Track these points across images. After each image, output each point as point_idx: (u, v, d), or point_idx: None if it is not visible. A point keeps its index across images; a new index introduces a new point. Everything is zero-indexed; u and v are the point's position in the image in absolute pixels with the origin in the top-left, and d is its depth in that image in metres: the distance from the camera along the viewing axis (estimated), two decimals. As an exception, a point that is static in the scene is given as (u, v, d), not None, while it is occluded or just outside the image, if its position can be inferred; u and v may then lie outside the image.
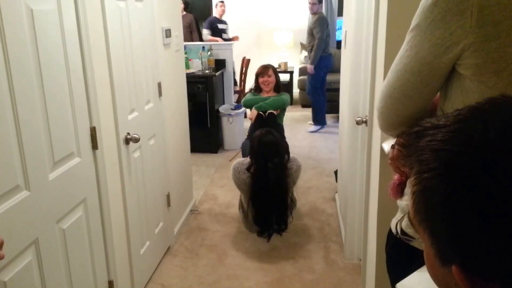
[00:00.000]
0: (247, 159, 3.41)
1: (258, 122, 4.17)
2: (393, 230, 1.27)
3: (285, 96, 4.36)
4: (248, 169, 3.31)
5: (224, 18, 7.32)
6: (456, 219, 0.49)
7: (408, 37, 1.03)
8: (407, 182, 1.24)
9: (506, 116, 0.51)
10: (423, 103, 1.07)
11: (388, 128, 1.18)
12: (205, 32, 7.10)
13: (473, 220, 0.48)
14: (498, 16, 0.89)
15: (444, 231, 0.51)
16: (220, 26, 7.17)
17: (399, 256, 1.30)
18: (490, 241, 0.47)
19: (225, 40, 7.08)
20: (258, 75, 4.45)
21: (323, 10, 8.19)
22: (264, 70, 4.41)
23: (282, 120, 4.39)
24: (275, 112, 4.26)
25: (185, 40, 6.85)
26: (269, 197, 3.21)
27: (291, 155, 3.50)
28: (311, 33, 6.03)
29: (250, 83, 7.92)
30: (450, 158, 0.50)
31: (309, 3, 5.99)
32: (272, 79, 4.42)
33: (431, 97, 1.07)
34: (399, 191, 1.27)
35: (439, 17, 0.95)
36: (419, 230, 0.57)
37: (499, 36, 0.90)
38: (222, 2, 7.29)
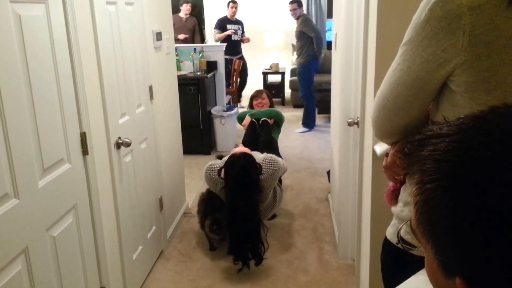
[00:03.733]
0: (218, 161, 3.26)
1: (252, 129, 4.16)
2: (391, 239, 1.26)
3: (280, 111, 4.54)
4: (219, 173, 3.13)
5: (236, 18, 7.35)
6: (461, 232, 0.48)
7: (400, 50, 1.04)
8: (401, 189, 1.24)
9: (509, 127, 0.50)
10: (416, 114, 1.09)
11: (382, 136, 1.20)
12: (214, 32, 7.23)
13: (478, 234, 0.47)
14: (490, 36, 0.90)
15: (448, 244, 0.51)
16: (230, 26, 7.16)
17: (394, 264, 1.30)
18: (495, 255, 0.46)
19: (233, 41, 7.09)
20: (252, 98, 4.81)
21: (313, 12, 8.25)
22: (258, 93, 4.84)
23: (276, 136, 4.38)
24: (269, 120, 4.26)
25: (189, 42, 7.04)
26: (242, 227, 2.98)
27: (271, 156, 3.27)
28: (300, 37, 6.09)
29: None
30: (453, 169, 0.49)
31: (290, 10, 6.10)
32: (266, 101, 4.74)
33: (424, 109, 1.09)
34: (394, 198, 1.27)
35: (431, 35, 0.95)
36: (422, 240, 0.56)
37: (491, 56, 0.91)
38: (234, 2, 7.24)
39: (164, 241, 3.31)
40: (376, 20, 1.79)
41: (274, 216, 3.73)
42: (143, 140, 2.87)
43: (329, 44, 8.01)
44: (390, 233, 1.27)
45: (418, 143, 0.55)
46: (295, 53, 6.71)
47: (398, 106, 1.07)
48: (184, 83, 5.09)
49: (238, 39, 7.29)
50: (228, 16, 7.28)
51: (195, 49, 5.63)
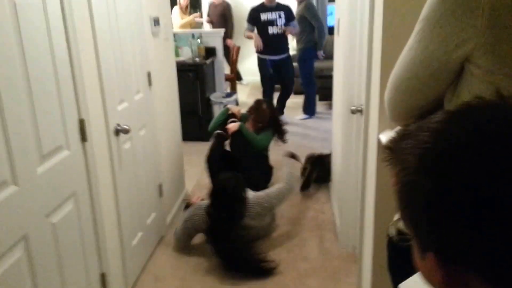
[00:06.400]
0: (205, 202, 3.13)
1: (219, 144, 3.86)
2: (390, 233, 1.24)
3: (264, 137, 3.91)
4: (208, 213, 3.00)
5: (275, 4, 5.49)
6: (433, 208, 0.52)
7: (417, 28, 0.99)
8: None
9: (478, 119, 0.53)
10: (432, 96, 1.04)
11: (397, 118, 1.15)
12: (246, 27, 5.68)
13: (446, 209, 0.51)
14: (509, 20, 0.85)
15: (422, 220, 0.55)
16: (264, 16, 5.43)
17: (400, 256, 1.28)
18: (463, 230, 0.50)
19: (271, 36, 5.48)
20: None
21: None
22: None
23: (266, 150, 4.08)
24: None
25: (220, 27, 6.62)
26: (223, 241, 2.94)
27: (258, 197, 3.15)
28: (300, 22, 5.80)
29: (240, 70, 7.87)
30: (426, 155, 0.53)
31: None
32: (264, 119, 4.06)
33: (441, 91, 1.03)
34: None
35: (448, 12, 0.91)
36: (406, 225, 0.59)
37: (511, 40, 0.86)
38: None
39: (164, 227, 3.30)
40: (383, 1, 1.74)
41: None
42: (142, 127, 2.84)
43: (330, 29, 7.91)
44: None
45: (401, 138, 0.59)
46: (294, 39, 6.54)
47: (413, 87, 1.03)
48: (183, 69, 5.02)
49: (279, 31, 5.45)
50: (265, 2, 5.50)
51: (193, 35, 5.56)
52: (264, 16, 5.42)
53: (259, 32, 5.47)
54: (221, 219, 2.92)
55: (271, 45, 5.48)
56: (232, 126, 3.78)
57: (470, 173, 0.49)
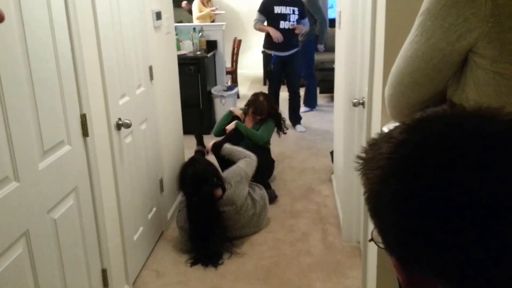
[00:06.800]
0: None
1: (234, 137, 3.82)
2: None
3: (265, 131, 3.97)
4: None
5: None
6: (391, 214, 0.55)
7: (417, 21, 0.98)
8: None
9: (431, 129, 0.56)
10: (435, 90, 1.03)
11: (398, 115, 1.14)
12: (255, 17, 5.19)
13: (403, 215, 0.53)
14: None
15: (385, 227, 0.57)
16: (278, 9, 5.04)
17: None
18: (421, 235, 0.52)
19: (282, 30, 5.05)
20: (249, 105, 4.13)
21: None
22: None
23: (268, 143, 4.08)
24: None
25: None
26: (199, 226, 3.00)
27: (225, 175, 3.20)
28: None
29: (241, 63, 7.84)
30: (386, 166, 0.56)
31: None
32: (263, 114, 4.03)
33: (443, 84, 1.02)
34: None
35: (450, 3, 0.89)
36: (376, 231, 0.61)
37: None
38: None
39: (165, 222, 3.29)
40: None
41: (275, 197, 3.70)
42: (143, 121, 2.83)
43: (331, 22, 7.89)
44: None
45: (369, 148, 0.61)
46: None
47: (416, 81, 1.01)
48: (184, 63, 5.01)
49: (290, 27, 5.09)
50: None
51: (194, 28, 5.54)
52: (278, 9, 5.04)
53: (270, 25, 5.14)
54: (195, 203, 2.96)
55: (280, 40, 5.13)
56: (229, 126, 3.82)
57: (426, 181, 0.51)
